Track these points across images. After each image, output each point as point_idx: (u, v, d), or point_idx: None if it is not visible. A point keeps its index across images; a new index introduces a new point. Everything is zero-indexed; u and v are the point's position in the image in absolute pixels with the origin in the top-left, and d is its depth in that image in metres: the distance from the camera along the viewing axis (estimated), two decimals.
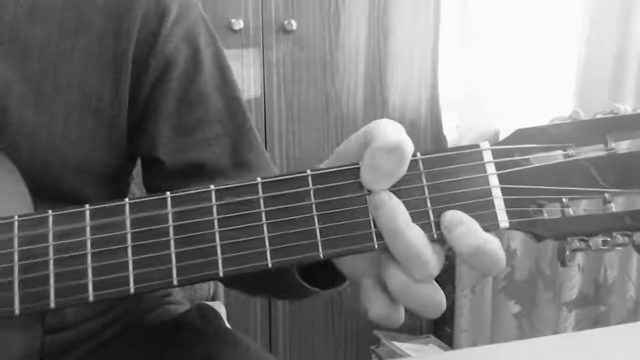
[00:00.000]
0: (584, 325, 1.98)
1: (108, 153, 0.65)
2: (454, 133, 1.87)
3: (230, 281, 0.69)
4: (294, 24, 1.68)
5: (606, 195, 0.41)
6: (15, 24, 0.60)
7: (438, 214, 0.43)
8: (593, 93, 1.88)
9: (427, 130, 1.86)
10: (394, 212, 0.42)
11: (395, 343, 1.79)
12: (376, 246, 0.43)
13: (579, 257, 1.94)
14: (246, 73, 1.68)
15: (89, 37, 0.62)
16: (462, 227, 0.41)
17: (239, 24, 1.63)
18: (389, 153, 0.41)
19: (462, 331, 1.94)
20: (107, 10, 0.63)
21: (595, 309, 1.99)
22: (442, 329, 1.96)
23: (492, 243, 0.40)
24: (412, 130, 1.83)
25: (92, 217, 0.45)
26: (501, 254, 0.41)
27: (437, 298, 0.42)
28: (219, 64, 0.69)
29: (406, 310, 0.44)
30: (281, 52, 1.70)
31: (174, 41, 0.65)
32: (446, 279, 1.93)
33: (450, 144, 1.87)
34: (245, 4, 1.65)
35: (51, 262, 0.44)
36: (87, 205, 0.45)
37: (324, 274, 0.53)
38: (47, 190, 0.55)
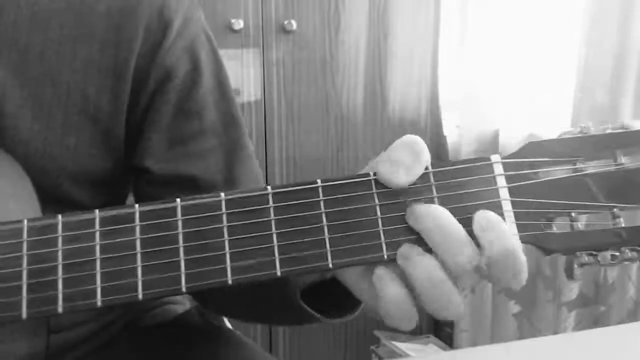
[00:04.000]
0: (584, 325, 1.98)
1: (105, 161, 0.65)
2: (454, 133, 1.87)
3: (229, 305, 0.69)
4: (294, 24, 1.68)
5: (615, 210, 0.41)
6: (15, 29, 0.60)
7: None
8: (593, 93, 1.88)
9: (427, 130, 1.85)
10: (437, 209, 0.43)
11: (395, 343, 1.79)
12: (385, 257, 0.43)
13: None
14: (246, 73, 1.68)
15: (89, 45, 0.62)
16: (500, 227, 0.42)
17: (239, 24, 1.63)
18: (405, 145, 0.44)
19: (462, 331, 1.94)
20: (110, 18, 0.62)
21: (595, 309, 1.99)
22: (442, 329, 1.96)
23: (521, 251, 0.42)
24: (412, 130, 1.83)
25: (101, 223, 0.44)
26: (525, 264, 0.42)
27: (458, 299, 0.42)
28: (218, 78, 0.68)
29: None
30: (281, 52, 1.70)
31: (175, 53, 0.64)
32: None
33: (450, 144, 1.87)
34: (245, 4, 1.65)
35: (60, 267, 0.44)
36: (96, 212, 0.45)
37: (330, 301, 0.53)
38: (43, 194, 0.55)
